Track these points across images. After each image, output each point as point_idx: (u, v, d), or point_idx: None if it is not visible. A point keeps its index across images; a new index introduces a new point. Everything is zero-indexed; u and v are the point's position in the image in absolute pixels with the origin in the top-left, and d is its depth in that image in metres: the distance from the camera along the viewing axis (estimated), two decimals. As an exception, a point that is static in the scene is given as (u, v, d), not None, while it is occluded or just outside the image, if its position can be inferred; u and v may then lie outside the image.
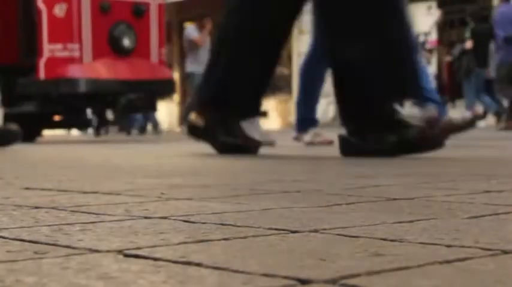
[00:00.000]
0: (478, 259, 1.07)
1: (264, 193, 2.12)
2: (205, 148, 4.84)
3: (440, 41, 16.28)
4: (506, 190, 2.14)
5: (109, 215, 1.64)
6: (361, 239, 1.26)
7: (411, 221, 1.47)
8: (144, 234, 1.35)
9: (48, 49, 9.63)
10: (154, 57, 10.33)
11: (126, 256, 1.12)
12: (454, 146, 5.34)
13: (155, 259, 1.09)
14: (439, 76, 16.47)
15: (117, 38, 9.89)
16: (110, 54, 9.85)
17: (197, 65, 13.38)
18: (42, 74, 9.66)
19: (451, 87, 16.26)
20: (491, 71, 13.50)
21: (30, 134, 11.11)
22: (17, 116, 9.92)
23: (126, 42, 9.93)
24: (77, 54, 9.65)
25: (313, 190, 2.18)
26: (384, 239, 1.25)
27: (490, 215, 1.58)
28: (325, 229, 1.38)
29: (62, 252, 1.16)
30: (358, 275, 0.96)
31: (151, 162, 4.18)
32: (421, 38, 13.70)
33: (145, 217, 1.59)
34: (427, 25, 16.01)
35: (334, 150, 4.59)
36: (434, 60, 16.54)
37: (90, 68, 9.69)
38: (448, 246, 1.18)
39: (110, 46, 9.85)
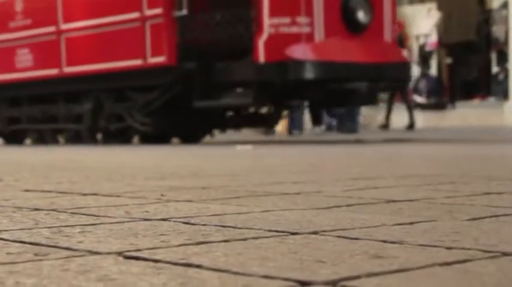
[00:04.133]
0: (478, 261, 1.07)
1: (264, 194, 2.12)
2: (205, 150, 4.84)
3: (440, 42, 16.28)
4: (506, 191, 2.14)
5: (109, 217, 1.64)
6: (361, 241, 1.26)
7: (411, 223, 1.47)
8: (144, 236, 1.35)
9: (270, 24, 7.53)
10: (387, 35, 8.20)
11: (126, 257, 1.12)
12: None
13: (155, 261, 1.09)
14: (439, 78, 16.47)
15: (352, 11, 7.82)
16: (343, 31, 7.79)
17: None
18: (261, 56, 7.47)
19: (451, 89, 16.26)
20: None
21: (208, 132, 9.05)
22: (210, 111, 8.08)
23: (362, 16, 7.87)
24: (307, 30, 7.58)
25: (313, 192, 2.18)
26: (384, 241, 1.25)
27: (490, 217, 1.58)
28: (325, 231, 1.38)
29: (62, 254, 1.16)
30: (358, 277, 0.96)
31: (152, 164, 4.18)
32: (421, 40, 13.73)
33: (146, 219, 1.59)
34: (427, 27, 16.04)
35: (334, 152, 4.58)
36: (434, 62, 16.53)
37: (323, 48, 7.66)
38: (448, 248, 1.18)
39: (343, 20, 7.80)
